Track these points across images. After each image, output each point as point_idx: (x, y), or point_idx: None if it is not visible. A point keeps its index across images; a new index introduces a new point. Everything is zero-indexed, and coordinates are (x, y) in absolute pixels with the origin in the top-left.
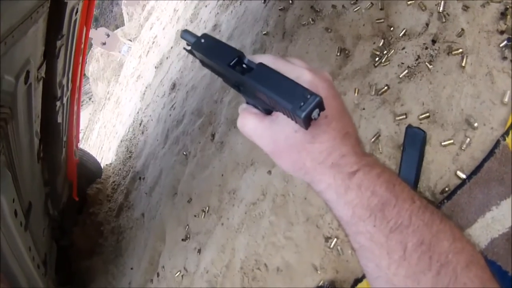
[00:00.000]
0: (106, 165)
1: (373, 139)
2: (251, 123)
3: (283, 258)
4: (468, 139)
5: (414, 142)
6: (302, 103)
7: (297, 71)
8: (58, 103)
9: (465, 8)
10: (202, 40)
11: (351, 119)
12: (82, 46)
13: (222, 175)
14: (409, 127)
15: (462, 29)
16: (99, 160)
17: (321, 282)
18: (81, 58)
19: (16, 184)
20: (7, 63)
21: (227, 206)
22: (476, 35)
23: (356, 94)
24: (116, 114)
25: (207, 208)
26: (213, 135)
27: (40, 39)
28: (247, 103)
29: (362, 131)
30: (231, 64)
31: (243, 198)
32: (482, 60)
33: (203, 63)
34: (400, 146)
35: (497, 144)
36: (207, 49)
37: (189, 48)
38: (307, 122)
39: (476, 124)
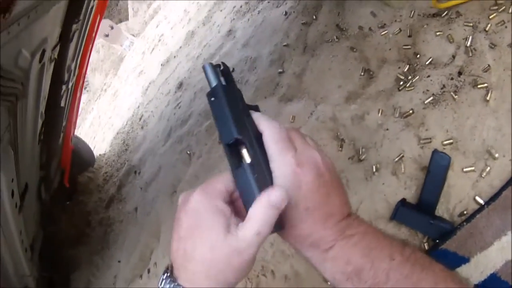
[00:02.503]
0: (100, 155)
1: (396, 159)
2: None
3: (292, 267)
4: (489, 168)
5: (439, 166)
6: None
7: (287, 159)
8: (63, 87)
9: (492, 45)
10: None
11: (340, 196)
12: (94, 34)
13: None
14: (436, 151)
15: (489, 65)
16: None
17: None
18: (91, 46)
19: (16, 164)
20: (27, 38)
21: None
22: (502, 72)
23: (379, 115)
24: (113, 107)
25: None
26: None
27: (59, 19)
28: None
29: (385, 151)
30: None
31: None
32: (505, 97)
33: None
34: (423, 168)
35: None
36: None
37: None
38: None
39: (497, 155)
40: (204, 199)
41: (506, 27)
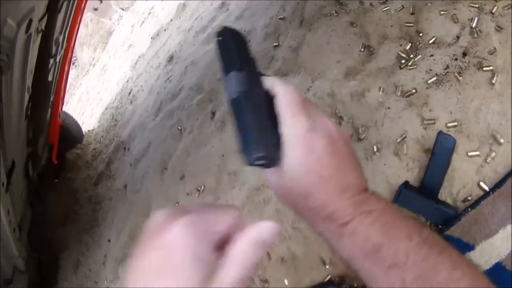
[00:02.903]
0: (88, 131)
1: (399, 140)
2: None
3: (288, 249)
4: (493, 153)
5: (444, 148)
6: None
7: (300, 122)
8: (51, 61)
9: (499, 28)
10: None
11: (355, 168)
12: (83, 5)
13: (223, 155)
14: (441, 133)
15: (494, 48)
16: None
17: (329, 277)
18: (79, 18)
19: (2, 140)
20: (13, 6)
21: (226, 187)
22: (508, 56)
23: (380, 92)
24: (101, 81)
25: (202, 187)
26: (213, 113)
27: None
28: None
29: (386, 130)
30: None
31: (245, 182)
32: (511, 80)
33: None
34: (426, 150)
35: None
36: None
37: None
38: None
39: (502, 140)
40: (187, 238)
41: None
